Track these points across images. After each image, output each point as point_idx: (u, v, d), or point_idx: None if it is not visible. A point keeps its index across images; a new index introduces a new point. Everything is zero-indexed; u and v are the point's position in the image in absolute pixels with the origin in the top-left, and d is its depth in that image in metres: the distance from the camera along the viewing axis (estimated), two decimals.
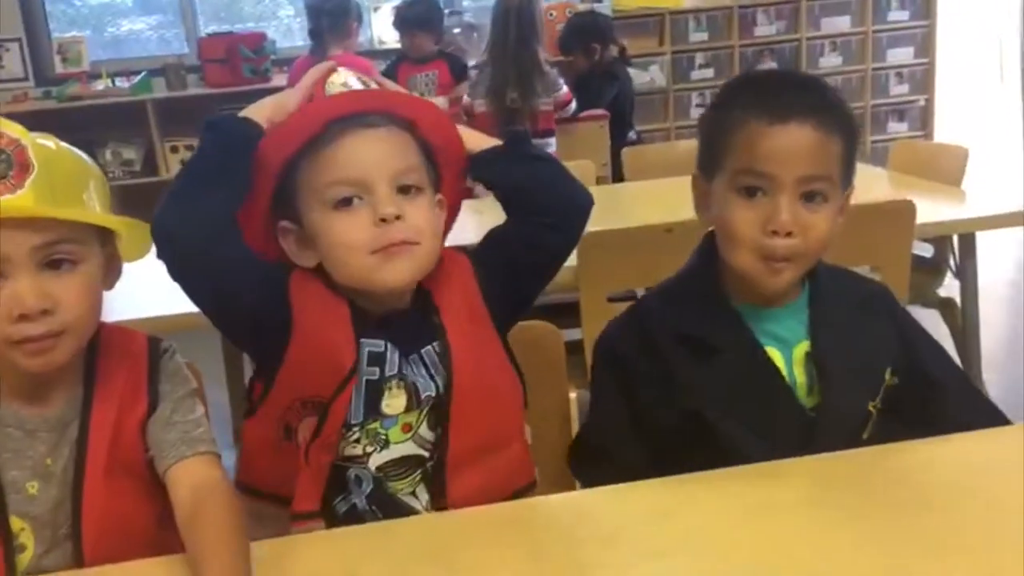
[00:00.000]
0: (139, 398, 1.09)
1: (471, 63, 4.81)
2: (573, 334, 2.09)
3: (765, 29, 5.70)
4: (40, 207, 0.98)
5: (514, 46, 3.65)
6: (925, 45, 5.89)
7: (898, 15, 5.84)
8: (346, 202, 1.03)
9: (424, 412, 1.10)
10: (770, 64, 5.64)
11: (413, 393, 1.09)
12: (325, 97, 1.07)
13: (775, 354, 1.18)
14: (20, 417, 1.04)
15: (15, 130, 1.01)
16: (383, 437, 1.09)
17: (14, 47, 5.17)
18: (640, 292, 2.33)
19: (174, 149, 5.15)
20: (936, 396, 1.24)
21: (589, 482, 1.17)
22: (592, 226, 2.13)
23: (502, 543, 0.99)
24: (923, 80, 5.96)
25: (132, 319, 1.97)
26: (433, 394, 1.10)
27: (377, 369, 1.07)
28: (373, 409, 1.08)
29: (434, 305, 1.11)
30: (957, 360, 2.50)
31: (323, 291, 1.08)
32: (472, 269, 1.16)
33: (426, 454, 1.10)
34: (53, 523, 1.04)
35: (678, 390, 1.18)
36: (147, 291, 2.16)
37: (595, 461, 1.17)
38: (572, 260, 2.08)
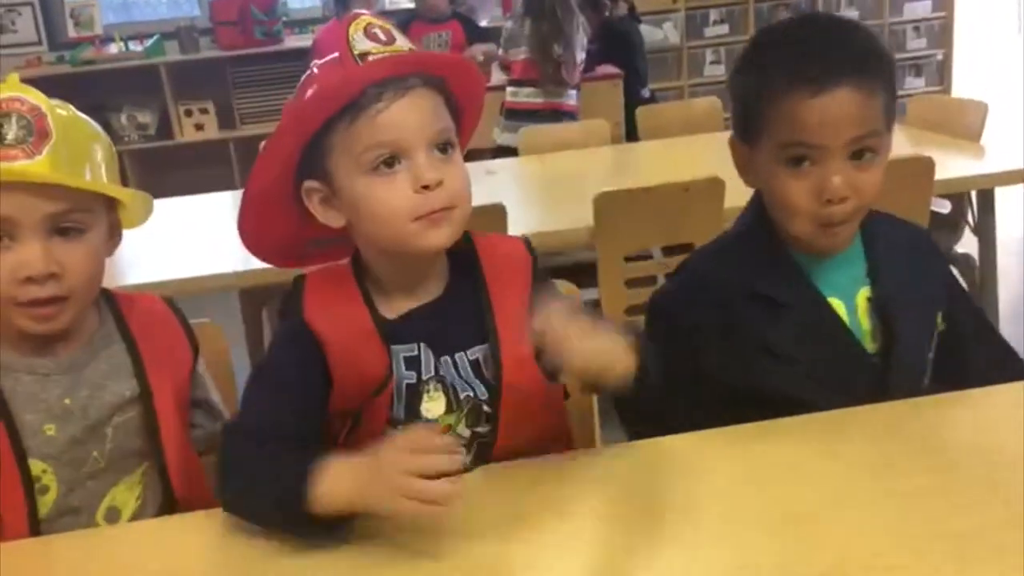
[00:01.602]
0: (184, 348, 1.17)
1: (483, 23, 4.79)
2: (589, 294, 2.11)
3: None
4: (56, 174, 1.00)
5: (552, 3, 3.66)
6: None
7: None
8: (388, 165, 1.01)
9: (464, 414, 1.08)
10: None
11: (452, 396, 1.07)
12: (355, 55, 1.02)
13: (837, 304, 1.19)
14: (30, 363, 1.07)
15: (36, 97, 1.02)
16: None
17: (27, 11, 5.16)
18: (657, 251, 2.34)
19: (188, 112, 5.15)
20: (961, 344, 1.24)
21: (639, 438, 1.16)
22: (607, 185, 2.16)
23: (537, 494, 1.00)
24: (940, 34, 5.88)
25: (152, 282, 1.99)
26: (472, 395, 1.08)
27: (414, 373, 1.06)
28: (413, 412, 1.07)
29: (489, 303, 1.08)
30: None
31: (343, 310, 1.06)
32: (531, 264, 1.12)
33: (463, 451, 1.07)
34: (75, 462, 1.07)
35: (745, 346, 1.18)
36: (161, 255, 2.20)
37: (646, 416, 1.17)
38: (588, 220, 2.10)
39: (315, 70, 1.05)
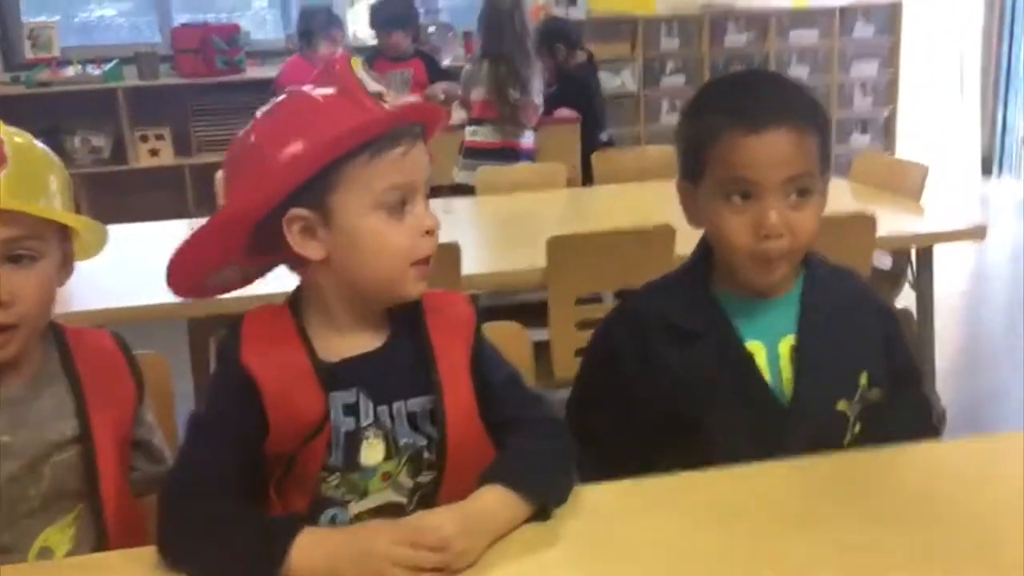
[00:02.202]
0: (129, 388, 1.16)
1: (445, 62, 4.85)
2: (540, 334, 2.13)
3: (735, 39, 5.78)
4: (10, 200, 0.99)
5: (511, 45, 3.74)
6: (889, 59, 6.01)
7: (864, 29, 5.96)
8: (399, 207, 1.03)
9: (403, 461, 1.08)
10: None
11: (392, 442, 1.08)
12: (373, 93, 1.03)
13: (758, 346, 1.23)
14: None
15: None
16: (362, 487, 1.08)
17: None
18: (608, 295, 2.37)
19: (143, 138, 5.11)
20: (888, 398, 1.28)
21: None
22: (562, 228, 2.19)
23: None
24: (886, 94, 6.08)
25: (97, 309, 1.98)
26: (412, 442, 1.08)
27: (352, 419, 1.06)
28: (351, 460, 1.06)
29: (433, 354, 1.09)
30: None
31: (281, 352, 1.05)
32: (474, 322, 1.15)
33: (404, 500, 1.10)
34: (10, 500, 1.06)
35: (661, 377, 1.23)
36: (110, 281, 2.18)
37: (581, 441, 1.20)
38: (541, 261, 2.13)
39: (318, 100, 1.03)
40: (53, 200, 1.06)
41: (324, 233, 1.03)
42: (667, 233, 2.07)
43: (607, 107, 4.73)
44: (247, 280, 1.14)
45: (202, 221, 1.04)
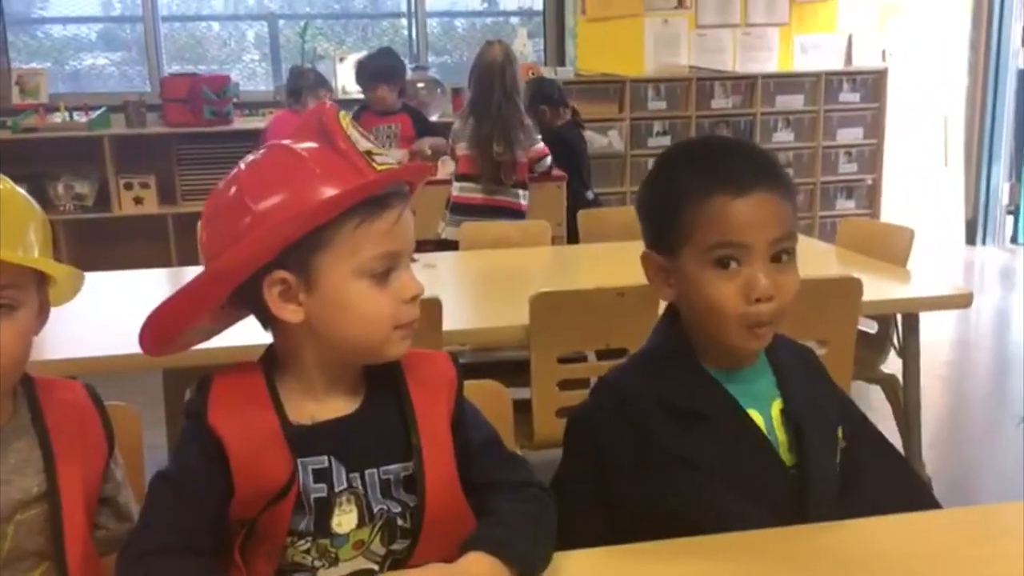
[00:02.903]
0: (100, 443, 1.11)
1: (433, 117, 4.87)
2: (522, 393, 2.09)
3: (721, 102, 5.85)
4: None
5: (499, 102, 3.76)
6: (874, 126, 6.09)
7: (849, 96, 6.04)
8: (384, 274, 1.00)
9: (377, 528, 1.04)
10: (725, 135, 5.77)
11: (365, 509, 1.04)
12: (363, 152, 1.00)
13: (756, 415, 1.20)
14: None
15: None
16: (333, 554, 1.04)
17: None
18: (590, 354, 2.34)
19: (128, 186, 5.09)
20: (856, 461, 1.25)
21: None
22: (545, 285, 2.17)
23: None
24: (871, 160, 6.14)
25: (72, 358, 1.93)
26: (387, 509, 1.04)
27: (324, 485, 1.02)
28: (322, 526, 1.02)
29: (414, 419, 1.06)
30: (898, 437, 2.55)
31: (250, 414, 1.02)
32: (456, 381, 1.11)
33: (376, 567, 1.06)
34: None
35: (663, 462, 1.17)
36: (86, 329, 2.14)
37: (562, 533, 1.15)
38: (524, 319, 2.10)
39: (305, 158, 1.00)
40: (32, 249, 1.02)
41: (304, 297, 1.00)
42: (651, 293, 2.04)
43: (594, 166, 4.75)
44: (211, 335, 1.10)
45: (185, 270, 1.02)
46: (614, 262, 2.92)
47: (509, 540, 1.01)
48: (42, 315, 1.07)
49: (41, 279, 1.05)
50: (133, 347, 1.92)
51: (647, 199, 1.24)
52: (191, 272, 1.08)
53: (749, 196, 1.14)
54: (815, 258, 2.80)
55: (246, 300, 1.02)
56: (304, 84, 4.49)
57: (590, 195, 4.50)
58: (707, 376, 1.21)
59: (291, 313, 1.00)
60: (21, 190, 1.06)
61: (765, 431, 1.20)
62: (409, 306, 1.02)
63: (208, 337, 1.10)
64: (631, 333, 2.11)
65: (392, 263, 1.01)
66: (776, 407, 1.21)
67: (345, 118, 1.03)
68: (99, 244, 4.99)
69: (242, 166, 1.03)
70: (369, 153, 1.00)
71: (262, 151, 1.05)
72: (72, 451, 1.08)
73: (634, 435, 1.18)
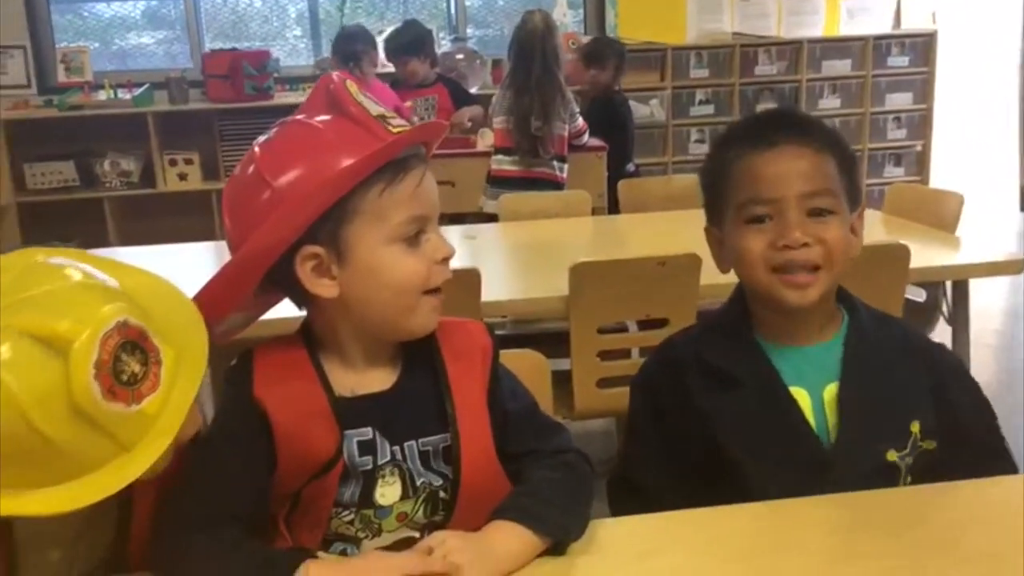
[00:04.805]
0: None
1: (473, 90, 4.85)
2: (561, 364, 2.09)
3: (766, 68, 5.74)
4: (192, 372, 0.91)
5: (539, 75, 3.72)
6: (924, 91, 5.94)
7: (898, 60, 5.89)
8: (415, 237, 1.00)
9: (420, 500, 1.05)
10: (769, 103, 5.68)
11: (409, 482, 1.04)
12: (376, 117, 0.98)
13: (801, 393, 1.19)
14: None
15: (105, 315, 0.84)
16: (376, 525, 1.05)
17: (18, 54, 5.17)
18: (632, 324, 2.33)
19: (172, 162, 5.14)
20: (961, 460, 1.20)
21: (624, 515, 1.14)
22: (585, 255, 2.15)
23: None
24: (920, 125, 6.00)
25: None
26: (429, 482, 1.05)
27: (369, 458, 1.02)
28: (367, 498, 1.03)
29: (449, 391, 1.05)
30: None
31: (295, 386, 1.01)
32: (491, 351, 1.10)
33: (417, 535, 1.06)
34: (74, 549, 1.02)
35: (701, 421, 1.19)
36: None
37: (631, 494, 1.17)
38: (563, 290, 2.09)
39: (320, 130, 0.99)
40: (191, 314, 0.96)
41: (337, 270, 0.99)
42: (693, 262, 2.02)
43: (635, 136, 4.70)
44: (249, 323, 1.10)
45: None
46: (655, 232, 2.90)
47: (537, 508, 1.00)
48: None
49: None
50: None
51: (701, 175, 1.28)
52: None
53: (776, 150, 1.16)
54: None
55: (280, 281, 1.01)
56: (360, 46, 4.36)
57: (631, 167, 4.46)
58: (753, 345, 1.21)
59: (326, 288, 1.00)
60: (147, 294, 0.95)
61: (811, 410, 1.18)
62: (441, 267, 1.02)
63: (245, 326, 1.10)
64: (672, 303, 2.10)
65: (421, 225, 1.01)
66: (832, 389, 1.19)
67: (352, 86, 1.01)
68: (145, 220, 5.05)
69: (256, 147, 1.02)
70: (383, 117, 0.99)
71: (275, 128, 1.04)
72: None
73: (677, 391, 1.22)
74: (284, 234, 0.96)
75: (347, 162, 0.95)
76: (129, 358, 0.84)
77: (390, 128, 0.98)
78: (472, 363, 1.08)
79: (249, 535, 0.98)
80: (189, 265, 2.54)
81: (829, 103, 5.82)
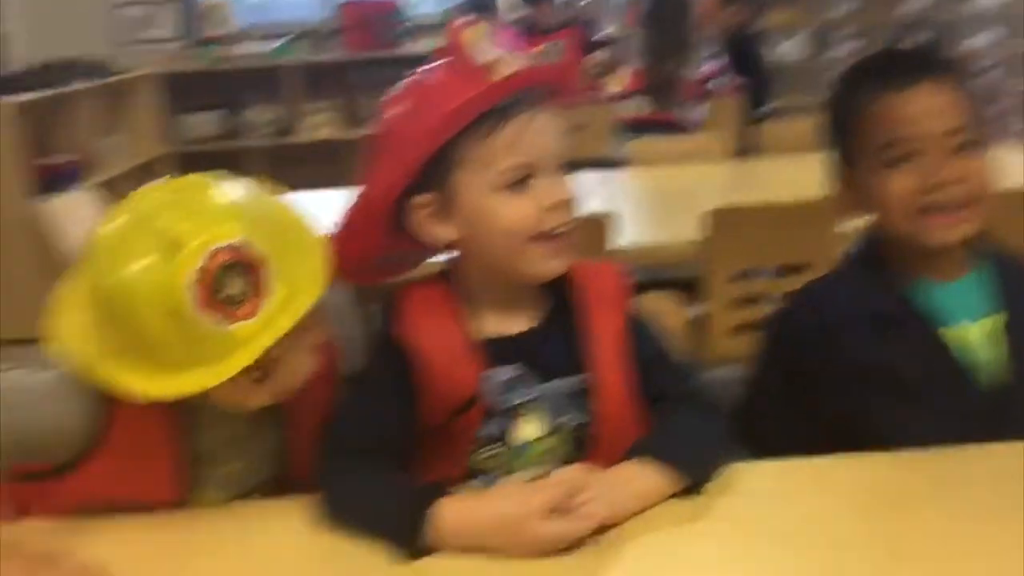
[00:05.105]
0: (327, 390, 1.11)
1: (603, 32, 4.77)
2: (695, 311, 2.06)
3: (915, 3, 5.43)
4: (299, 308, 0.92)
5: (672, 15, 3.62)
6: None
7: None
8: (519, 184, 1.00)
9: (558, 440, 1.07)
10: (916, 39, 5.38)
11: (548, 421, 1.06)
12: (483, 64, 1.00)
13: (960, 329, 1.15)
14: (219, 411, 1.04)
15: (224, 234, 0.88)
16: (516, 462, 1.07)
17: (166, 8, 5.40)
18: (769, 271, 2.27)
19: (311, 112, 5.29)
20: None
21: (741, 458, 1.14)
22: (721, 200, 2.11)
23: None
24: None
25: None
26: (567, 422, 1.06)
27: (509, 396, 1.04)
28: (507, 435, 1.05)
29: (587, 331, 1.06)
30: None
31: (438, 325, 1.04)
32: (627, 292, 1.10)
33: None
34: (245, 486, 1.09)
35: (849, 369, 1.15)
36: None
37: (760, 443, 1.15)
38: (697, 236, 2.05)
39: (431, 77, 1.03)
40: (321, 260, 0.98)
41: (450, 216, 1.02)
42: (835, 207, 1.94)
43: (774, 75, 4.54)
44: (414, 264, 1.13)
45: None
46: (794, 176, 2.79)
47: (672, 448, 1.01)
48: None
49: None
50: None
51: (827, 116, 1.23)
52: None
53: (914, 88, 1.12)
54: (1003, 169, 2.58)
55: (408, 228, 1.05)
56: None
57: (768, 108, 4.31)
58: (900, 285, 1.17)
59: (443, 233, 1.03)
60: (270, 215, 0.97)
61: (962, 347, 1.14)
62: (552, 213, 1.00)
63: (416, 264, 1.13)
64: (811, 248, 2.04)
65: (528, 171, 1.00)
66: (982, 325, 1.15)
67: (477, 30, 1.02)
68: (285, 169, 5.23)
69: (385, 97, 1.07)
70: (492, 63, 1.00)
71: (404, 78, 1.08)
72: (305, 404, 1.08)
73: (824, 342, 1.17)
74: (393, 180, 1.01)
75: (446, 109, 0.98)
76: (234, 279, 0.88)
77: (496, 74, 0.99)
78: (608, 306, 1.09)
79: (394, 468, 1.02)
80: (330, 212, 2.62)
81: (979, 40, 5.46)
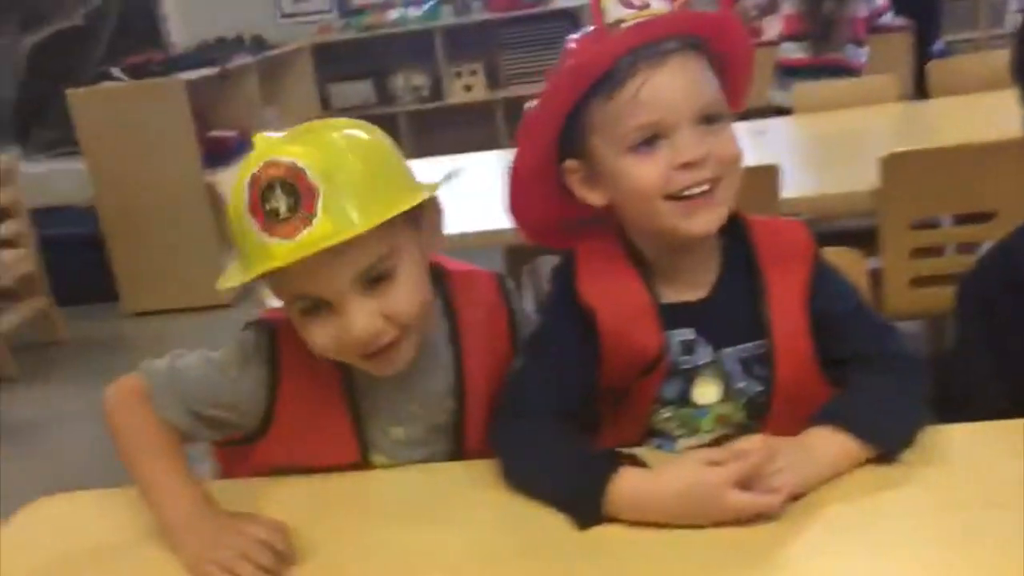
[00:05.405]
0: (504, 340, 1.12)
1: None
2: (870, 263, 1.95)
3: None
4: (339, 232, 0.90)
5: None
6: None
7: None
8: (647, 144, 0.96)
9: (737, 405, 1.04)
10: None
11: (726, 384, 1.03)
12: (608, 24, 0.97)
13: None
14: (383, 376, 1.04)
15: (288, 152, 0.91)
16: (694, 424, 1.05)
17: None
18: (947, 219, 2.13)
19: (458, 74, 5.33)
20: None
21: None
22: (892, 146, 1.98)
23: None
24: None
25: None
26: (746, 386, 1.03)
27: (688, 358, 1.02)
28: (686, 398, 1.04)
29: (765, 294, 1.02)
30: None
31: (616, 283, 1.02)
32: (812, 251, 1.04)
33: (733, 434, 1.04)
34: (411, 454, 1.09)
35: None
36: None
37: (958, 408, 1.08)
38: (870, 183, 1.94)
39: (572, 44, 1.03)
40: (387, 192, 0.94)
41: (597, 181, 1.02)
42: (1020, 148, 1.80)
43: (945, 10, 4.25)
44: (600, 226, 1.08)
45: (510, 153, 1.04)
46: (970, 117, 2.61)
47: (861, 414, 0.95)
48: (434, 237, 1.04)
49: (408, 216, 0.97)
50: (472, 225, 2.05)
51: (1013, 51, 1.15)
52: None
53: None
54: None
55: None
56: None
57: (939, 46, 4.04)
58: None
59: (596, 197, 1.03)
60: (337, 134, 0.97)
61: None
62: (683, 172, 0.95)
63: (601, 226, 1.09)
64: (997, 194, 1.89)
65: (656, 131, 0.96)
66: None
67: None
68: (435, 132, 5.31)
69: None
70: (617, 21, 0.96)
71: None
72: (480, 348, 1.09)
73: (1019, 301, 1.09)
74: (538, 146, 1.01)
75: (569, 70, 0.98)
76: (281, 196, 0.89)
77: (616, 32, 0.96)
78: (791, 265, 1.03)
79: (574, 431, 1.00)
80: (475, 174, 2.62)
81: None
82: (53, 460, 2.91)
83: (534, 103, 1.03)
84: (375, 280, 0.94)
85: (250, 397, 1.05)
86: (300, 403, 1.05)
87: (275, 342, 1.05)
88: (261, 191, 0.90)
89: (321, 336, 0.96)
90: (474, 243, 2.12)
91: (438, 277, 1.08)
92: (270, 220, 0.90)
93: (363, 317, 0.94)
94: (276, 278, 0.95)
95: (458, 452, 1.09)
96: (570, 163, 1.02)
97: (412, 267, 0.98)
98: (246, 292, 4.31)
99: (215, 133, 4.25)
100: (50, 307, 3.97)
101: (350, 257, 0.91)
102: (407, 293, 0.96)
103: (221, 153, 4.12)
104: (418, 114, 5.41)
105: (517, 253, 2.48)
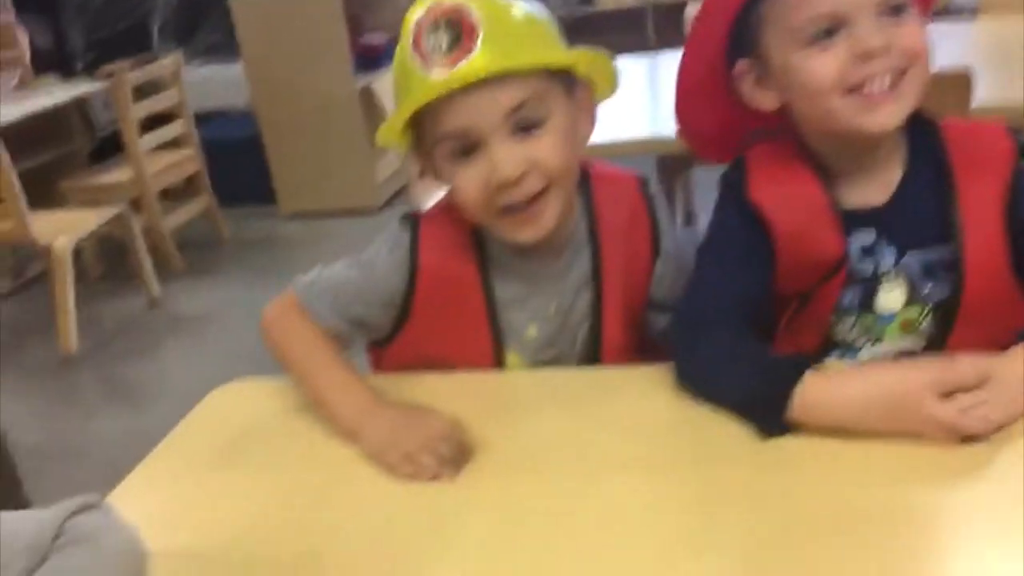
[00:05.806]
0: (645, 242, 1.11)
1: None
2: None
3: None
4: (495, 63, 0.93)
5: None
6: None
7: None
8: (824, 36, 0.90)
9: (925, 311, 0.99)
10: None
11: (911, 290, 0.98)
12: None
13: None
14: (521, 271, 1.08)
15: None
16: (877, 332, 1.01)
17: None
18: None
19: None
20: None
21: None
22: None
23: None
24: None
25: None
26: (933, 292, 0.98)
27: (871, 262, 0.98)
28: (868, 305, 0.99)
29: (955, 198, 0.95)
30: None
31: (791, 186, 0.98)
32: (1011, 156, 0.97)
33: (919, 351, 1.00)
34: (541, 355, 1.10)
35: None
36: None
37: None
38: None
39: None
40: (539, 47, 0.99)
41: (771, 81, 0.97)
42: None
43: None
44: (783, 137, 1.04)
45: (663, 54, 1.00)
46: None
47: None
48: (585, 120, 1.05)
49: (568, 83, 1.02)
50: (623, 133, 1.99)
51: None
52: (668, 55, 1.07)
53: None
54: None
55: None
56: None
57: None
58: None
59: (768, 100, 0.98)
60: None
61: None
62: (861, 64, 0.89)
63: (774, 136, 1.04)
64: None
65: (834, 21, 0.89)
66: None
67: None
68: (585, 37, 5.17)
69: None
70: None
71: None
72: (619, 249, 1.09)
73: None
74: (705, 44, 0.98)
75: None
76: (443, 34, 0.94)
77: None
78: (987, 169, 0.96)
79: (752, 338, 0.97)
80: (626, 80, 2.55)
81: None
82: (217, 350, 3.08)
83: (696, 5, 0.99)
84: (525, 129, 0.97)
85: (389, 285, 1.07)
86: (438, 291, 1.07)
87: (417, 231, 1.07)
88: (425, 29, 0.94)
89: (467, 180, 0.98)
90: (625, 150, 2.05)
91: (582, 178, 1.09)
92: (432, 55, 0.94)
93: (511, 157, 0.96)
94: (430, 119, 0.97)
95: (590, 355, 1.10)
96: (740, 64, 0.98)
97: (561, 124, 0.99)
98: (398, 196, 4.38)
99: (366, 38, 4.27)
100: (213, 207, 4.15)
101: (504, 93, 0.95)
102: (554, 145, 0.98)
103: (372, 57, 4.15)
104: (568, 20, 5.28)
105: (669, 164, 2.41)
